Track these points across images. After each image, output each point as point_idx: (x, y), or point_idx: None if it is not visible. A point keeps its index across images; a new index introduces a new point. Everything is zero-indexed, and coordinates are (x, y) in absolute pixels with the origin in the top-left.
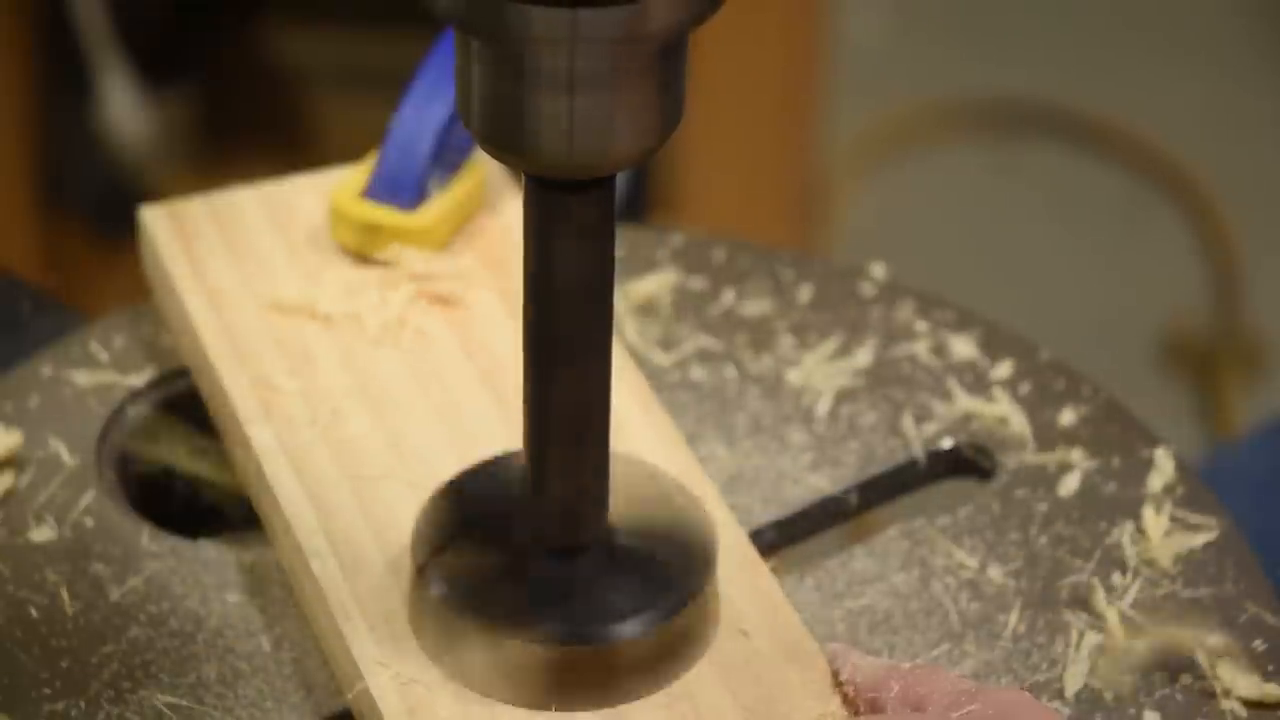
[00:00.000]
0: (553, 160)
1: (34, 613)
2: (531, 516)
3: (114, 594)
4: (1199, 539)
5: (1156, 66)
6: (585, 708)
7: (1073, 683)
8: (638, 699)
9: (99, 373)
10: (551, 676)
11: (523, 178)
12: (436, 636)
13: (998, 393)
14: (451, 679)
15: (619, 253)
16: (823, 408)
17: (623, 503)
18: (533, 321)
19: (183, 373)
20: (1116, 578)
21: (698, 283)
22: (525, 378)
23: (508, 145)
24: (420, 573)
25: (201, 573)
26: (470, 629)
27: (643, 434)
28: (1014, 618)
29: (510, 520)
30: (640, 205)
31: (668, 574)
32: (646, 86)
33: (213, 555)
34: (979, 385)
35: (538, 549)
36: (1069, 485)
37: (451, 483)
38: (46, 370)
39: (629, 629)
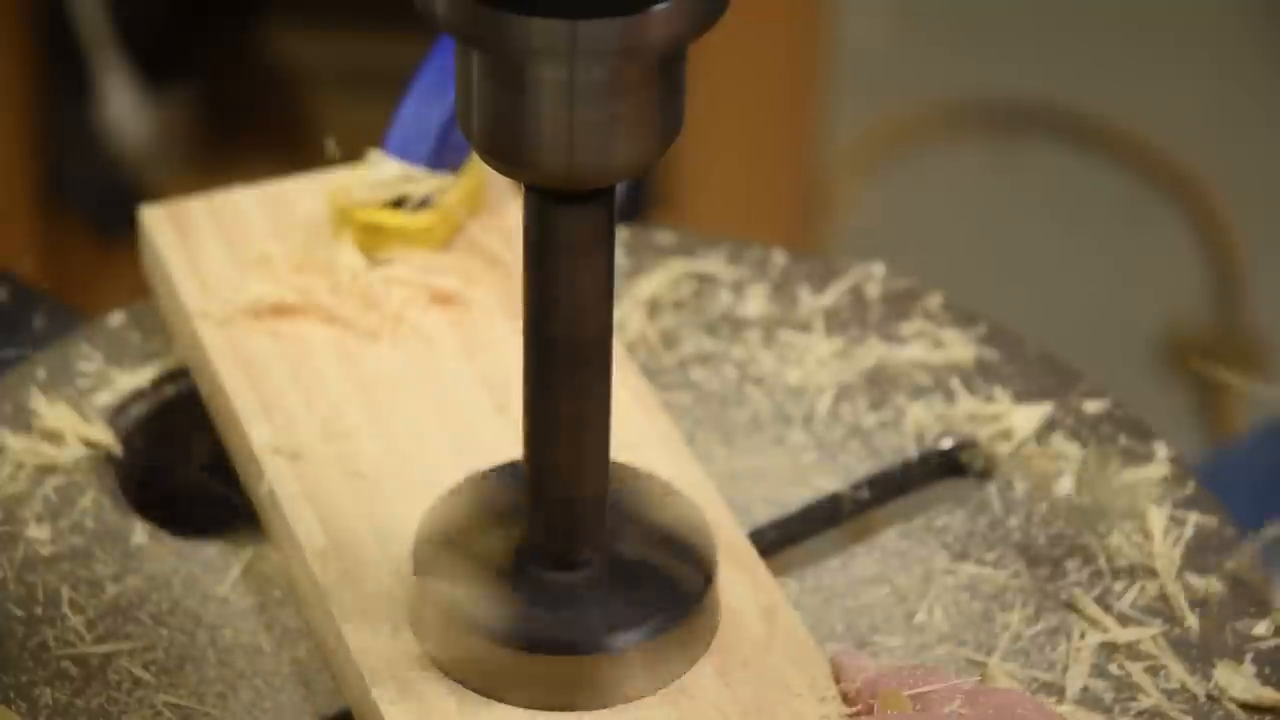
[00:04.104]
0: (553, 172)
1: (34, 612)
2: (532, 526)
3: (113, 593)
4: (1199, 539)
5: (1157, 66)
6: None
7: (1073, 682)
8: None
9: (98, 373)
10: (551, 685)
11: (523, 188)
12: (437, 641)
13: (997, 392)
14: (452, 680)
15: (619, 252)
16: (822, 407)
17: (623, 511)
18: (533, 332)
19: (182, 372)
20: (1115, 577)
21: (697, 282)
22: (525, 388)
23: (508, 157)
24: (422, 582)
25: (201, 573)
26: (470, 639)
27: (642, 434)
28: (1014, 618)
29: (512, 529)
30: (641, 205)
31: (667, 584)
32: (646, 98)
33: (212, 555)
34: (978, 385)
35: (539, 559)
36: (1068, 484)
37: (455, 490)
38: (44, 371)
39: (628, 639)
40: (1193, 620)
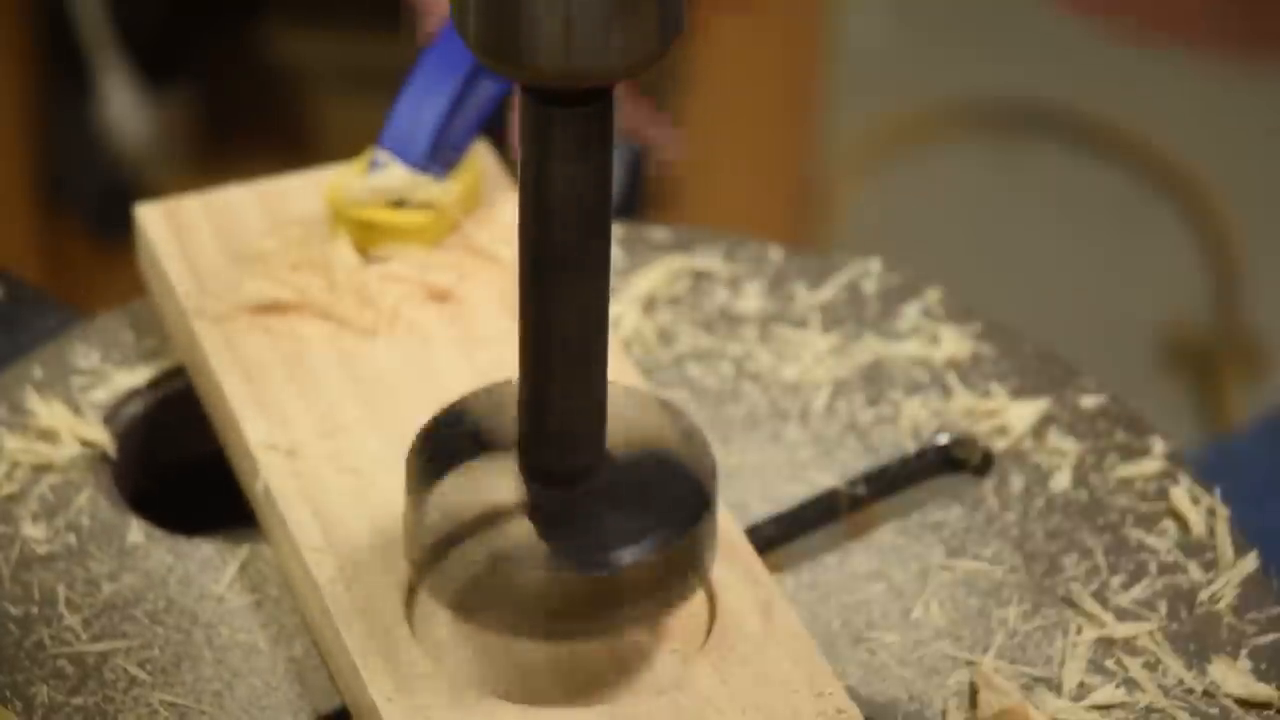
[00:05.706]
0: (550, 68)
1: (29, 611)
2: (531, 443)
3: (109, 592)
4: (1196, 533)
5: (1156, 66)
6: (583, 635)
7: (1070, 678)
8: (636, 626)
9: (94, 371)
10: (549, 603)
11: (518, 100)
12: (435, 564)
13: (994, 388)
14: (449, 675)
15: (616, 251)
16: (819, 403)
17: (620, 430)
18: (528, 239)
19: (178, 371)
20: (1113, 573)
21: (695, 279)
22: (521, 296)
23: (504, 55)
24: (417, 506)
25: (197, 571)
26: (467, 557)
27: None
28: (1011, 613)
29: (503, 450)
30: (640, 203)
31: (670, 498)
32: None
33: (209, 553)
34: (975, 380)
35: (536, 475)
36: (1065, 480)
37: (433, 421)
38: (40, 369)
39: (629, 554)
40: (1189, 615)
